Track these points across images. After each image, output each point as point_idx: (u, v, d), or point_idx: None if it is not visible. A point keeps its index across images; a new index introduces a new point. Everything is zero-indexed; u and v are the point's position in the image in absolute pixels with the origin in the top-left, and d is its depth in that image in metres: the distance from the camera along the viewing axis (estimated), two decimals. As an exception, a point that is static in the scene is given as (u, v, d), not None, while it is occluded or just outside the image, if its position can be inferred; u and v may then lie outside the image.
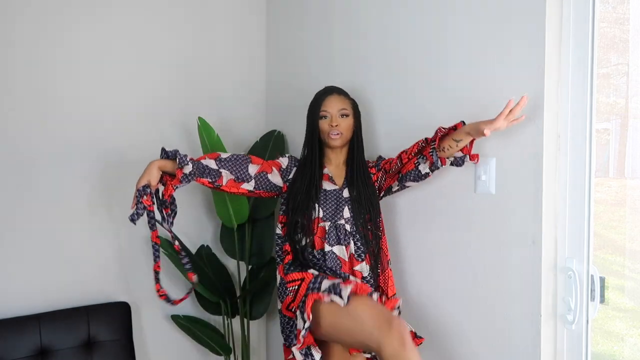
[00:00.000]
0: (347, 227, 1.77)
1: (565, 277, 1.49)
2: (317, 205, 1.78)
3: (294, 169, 1.86)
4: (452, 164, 1.67)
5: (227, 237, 2.34)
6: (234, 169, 1.78)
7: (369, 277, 1.76)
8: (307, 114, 1.86)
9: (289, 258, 1.79)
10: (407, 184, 1.78)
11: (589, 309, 1.46)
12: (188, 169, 1.69)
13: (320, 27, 2.26)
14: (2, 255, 1.94)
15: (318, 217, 1.78)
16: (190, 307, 2.36)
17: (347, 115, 1.81)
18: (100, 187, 2.13)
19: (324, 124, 1.81)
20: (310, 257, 1.76)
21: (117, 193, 2.15)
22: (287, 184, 1.85)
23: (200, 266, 2.18)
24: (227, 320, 2.29)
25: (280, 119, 2.50)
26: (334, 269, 1.73)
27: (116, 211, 2.15)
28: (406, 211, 1.91)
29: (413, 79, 1.86)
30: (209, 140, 2.18)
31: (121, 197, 2.16)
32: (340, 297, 1.56)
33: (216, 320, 2.41)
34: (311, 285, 1.66)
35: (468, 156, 1.63)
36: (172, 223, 1.79)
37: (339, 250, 1.76)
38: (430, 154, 1.65)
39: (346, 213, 1.78)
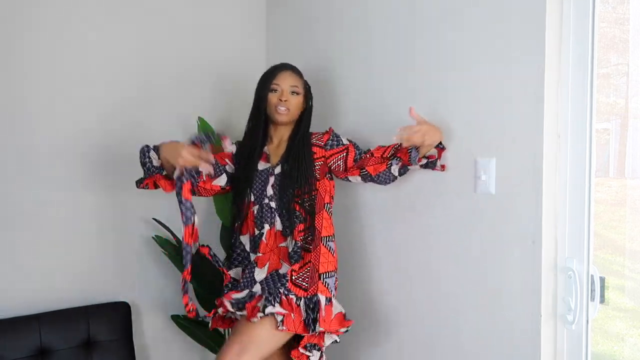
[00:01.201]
0: (272, 204, 1.77)
1: (565, 277, 1.49)
2: (249, 190, 1.78)
3: None
4: (423, 166, 1.71)
5: (227, 237, 2.34)
6: None
7: (292, 254, 1.75)
8: (257, 87, 1.84)
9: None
10: (369, 182, 1.81)
11: (589, 309, 1.45)
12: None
13: (321, 27, 2.26)
14: (1, 255, 1.94)
15: (251, 201, 1.79)
16: (190, 307, 2.36)
17: (297, 94, 1.81)
18: (100, 187, 2.13)
19: (272, 97, 1.79)
20: (235, 246, 1.83)
21: (117, 193, 2.15)
22: None
23: (200, 266, 2.18)
24: (227, 320, 2.29)
25: (280, 119, 2.49)
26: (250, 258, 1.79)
27: (116, 211, 2.16)
28: (405, 211, 1.90)
29: (413, 79, 1.86)
30: (209, 140, 2.18)
31: (121, 197, 2.16)
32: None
33: (216, 320, 2.41)
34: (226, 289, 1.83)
35: (438, 161, 1.70)
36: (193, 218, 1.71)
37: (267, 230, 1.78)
38: (409, 151, 1.68)
39: (269, 190, 1.77)
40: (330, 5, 2.21)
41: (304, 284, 1.74)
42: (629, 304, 1.53)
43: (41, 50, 1.99)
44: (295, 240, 1.76)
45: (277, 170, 1.79)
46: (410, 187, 1.85)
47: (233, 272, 1.85)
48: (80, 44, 2.07)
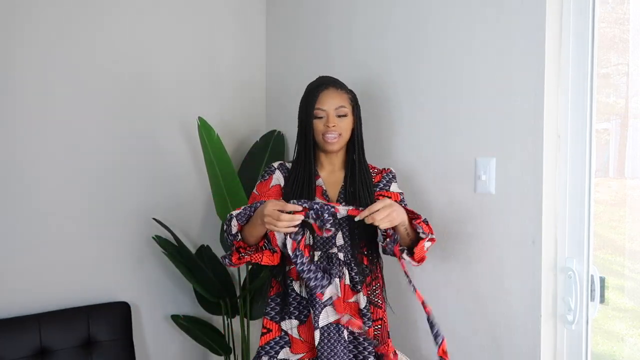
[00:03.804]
0: (341, 255, 1.54)
1: (565, 277, 1.49)
2: (306, 231, 1.48)
3: None
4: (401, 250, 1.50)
5: (227, 237, 2.34)
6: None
7: (365, 311, 1.54)
8: (299, 111, 1.61)
9: (272, 292, 1.59)
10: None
11: (589, 309, 1.46)
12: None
13: (320, 27, 2.26)
14: (1, 255, 1.94)
15: (308, 245, 1.51)
16: (190, 307, 2.36)
17: (345, 115, 1.58)
18: (100, 187, 2.13)
19: (318, 124, 1.57)
20: (289, 290, 1.55)
21: (117, 193, 2.16)
22: None
23: (200, 266, 2.18)
24: (227, 320, 2.29)
25: (280, 119, 2.50)
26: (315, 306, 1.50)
27: (116, 211, 2.16)
28: (406, 211, 1.90)
29: (413, 80, 1.86)
30: (209, 140, 2.18)
31: (121, 197, 2.16)
32: None
33: (216, 320, 2.41)
34: (268, 348, 1.54)
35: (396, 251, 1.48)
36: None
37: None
38: (383, 234, 1.51)
39: (339, 240, 1.54)
40: (330, 4, 2.21)
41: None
42: (629, 304, 1.53)
43: (39, 50, 1.99)
44: (366, 296, 1.55)
45: (342, 211, 1.48)
46: (410, 187, 1.85)
47: (285, 325, 1.55)
48: (79, 44, 2.07)
